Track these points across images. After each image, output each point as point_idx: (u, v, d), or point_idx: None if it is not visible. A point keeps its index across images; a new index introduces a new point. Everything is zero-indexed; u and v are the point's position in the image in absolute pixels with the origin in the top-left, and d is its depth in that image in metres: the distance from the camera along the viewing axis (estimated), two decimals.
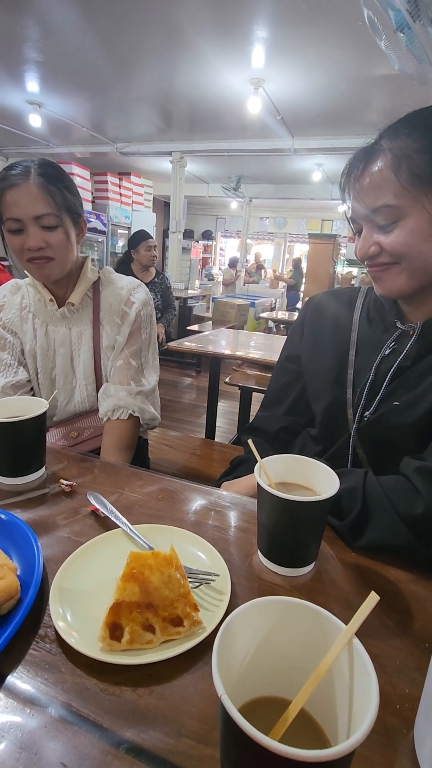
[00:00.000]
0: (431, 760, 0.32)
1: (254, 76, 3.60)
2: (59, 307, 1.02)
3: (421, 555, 0.55)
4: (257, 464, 0.54)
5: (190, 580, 0.47)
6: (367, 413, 0.71)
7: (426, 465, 0.57)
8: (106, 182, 5.92)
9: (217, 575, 0.50)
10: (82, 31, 3.02)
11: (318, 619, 0.32)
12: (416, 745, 0.34)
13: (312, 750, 0.23)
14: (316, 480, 0.56)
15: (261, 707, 0.32)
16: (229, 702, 0.25)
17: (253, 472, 0.55)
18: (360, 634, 0.29)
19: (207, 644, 0.42)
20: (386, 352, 0.72)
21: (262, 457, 0.55)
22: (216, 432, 2.73)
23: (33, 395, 1.06)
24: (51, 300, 1.01)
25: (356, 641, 0.29)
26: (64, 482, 0.69)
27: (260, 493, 0.52)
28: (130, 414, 0.98)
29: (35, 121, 4.81)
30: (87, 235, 5.66)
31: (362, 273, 7.61)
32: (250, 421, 0.95)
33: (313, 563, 0.54)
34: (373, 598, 0.30)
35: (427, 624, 0.46)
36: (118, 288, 1.05)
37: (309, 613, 0.32)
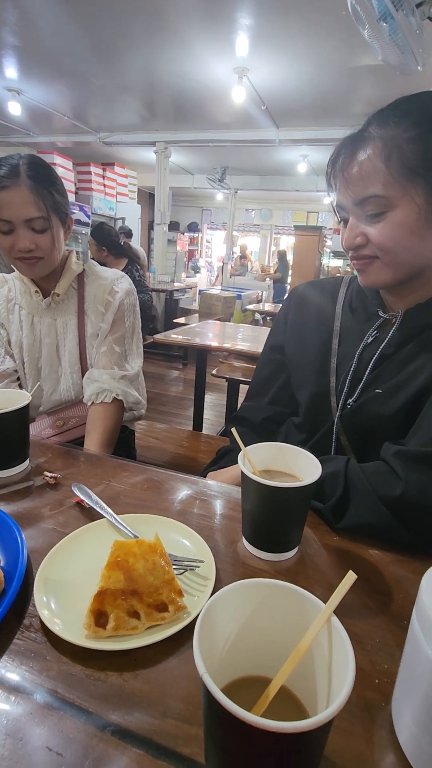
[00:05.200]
0: (408, 731, 0.33)
1: (238, 65, 3.56)
2: (44, 298, 1.03)
3: (399, 536, 0.56)
4: (241, 452, 0.55)
5: (175, 566, 0.48)
6: (350, 401, 0.72)
7: (404, 449, 0.59)
8: (89, 173, 5.81)
9: (202, 561, 0.50)
10: (62, 15, 2.94)
11: (299, 600, 0.33)
12: (393, 717, 0.36)
13: (290, 722, 0.23)
14: (299, 467, 0.57)
15: (244, 686, 0.33)
16: (209, 680, 0.25)
17: (238, 461, 0.55)
18: (342, 614, 0.30)
19: (192, 629, 0.41)
20: (368, 341, 0.73)
21: (246, 446, 0.56)
22: (203, 424, 2.74)
23: (19, 384, 1.08)
24: (36, 292, 1.03)
25: (335, 619, 0.30)
26: (49, 474, 0.69)
27: (244, 480, 0.53)
28: (114, 397, 1.00)
29: (14, 109, 4.69)
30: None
31: (347, 266, 7.64)
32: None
33: (297, 548, 0.55)
34: (350, 577, 0.31)
35: (406, 603, 0.47)
36: (102, 279, 1.08)
37: (290, 594, 0.33)
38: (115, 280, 1.08)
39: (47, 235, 0.92)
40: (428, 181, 0.58)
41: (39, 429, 1.05)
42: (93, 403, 1.00)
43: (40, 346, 1.06)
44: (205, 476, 0.85)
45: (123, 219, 6.14)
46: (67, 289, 1.05)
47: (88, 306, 1.06)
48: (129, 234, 5.11)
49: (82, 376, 1.06)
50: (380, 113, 0.62)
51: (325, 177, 0.69)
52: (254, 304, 5.60)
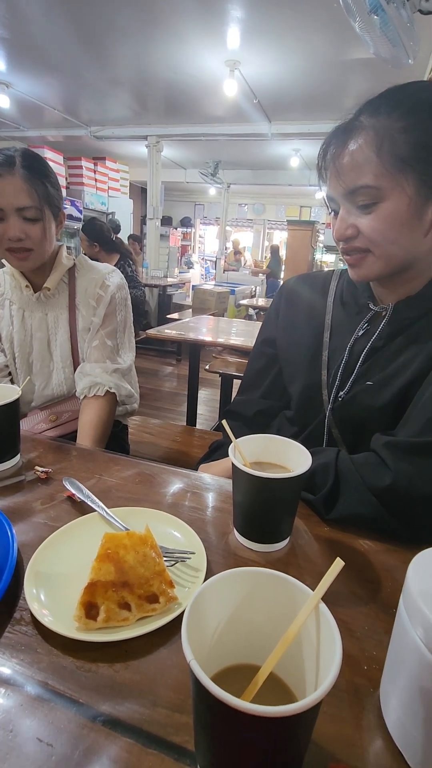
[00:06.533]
0: (394, 714, 0.34)
1: (230, 58, 3.54)
2: (35, 293, 1.03)
3: (388, 525, 0.57)
4: (232, 444, 0.55)
5: (165, 558, 0.48)
6: (341, 394, 0.73)
7: (393, 440, 0.59)
8: (80, 167, 5.74)
9: (193, 553, 0.50)
10: (51, 6, 2.90)
11: (287, 588, 0.33)
12: (381, 702, 0.36)
13: (277, 706, 0.24)
14: (289, 458, 0.57)
15: (233, 674, 0.33)
16: (197, 666, 0.25)
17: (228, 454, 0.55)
18: (331, 603, 0.30)
19: (182, 619, 0.42)
20: (359, 334, 0.73)
21: (237, 438, 0.56)
22: (197, 419, 2.74)
23: (11, 380, 1.08)
24: (27, 286, 1.02)
25: (323, 605, 0.30)
26: (40, 469, 0.69)
27: (235, 471, 0.53)
28: (107, 390, 1.00)
29: (3, 102, 4.63)
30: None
31: (339, 260, 7.64)
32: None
33: (288, 538, 0.56)
34: (338, 564, 0.31)
35: (395, 591, 0.48)
36: (93, 273, 1.08)
37: (279, 582, 0.33)
38: (107, 274, 1.08)
39: (38, 226, 0.92)
40: (419, 171, 0.58)
41: (32, 424, 1.05)
42: (86, 396, 1.00)
43: (31, 341, 1.05)
44: (197, 470, 0.85)
45: (113, 213, 6.10)
46: (58, 284, 1.04)
47: (80, 300, 1.05)
48: (117, 229, 5.06)
49: (74, 370, 1.06)
50: (371, 102, 0.61)
51: (316, 168, 0.68)
52: (248, 299, 5.59)
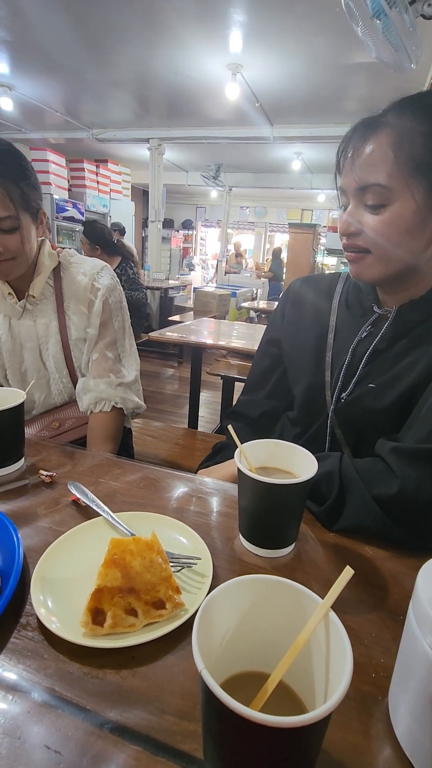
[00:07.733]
0: (404, 723, 0.34)
1: (232, 62, 3.55)
2: (19, 300, 0.96)
3: (395, 534, 0.56)
4: (237, 449, 0.55)
5: (171, 564, 0.48)
6: (344, 395, 0.73)
7: (400, 446, 0.59)
8: (82, 170, 5.78)
9: (199, 559, 0.50)
10: (53, 9, 2.92)
11: (296, 595, 0.33)
12: (390, 710, 0.36)
13: (288, 716, 0.24)
14: (295, 463, 0.57)
15: (242, 682, 0.33)
16: (208, 676, 0.25)
17: (233, 457, 0.55)
18: (338, 609, 0.30)
19: (189, 625, 0.42)
20: (363, 336, 0.73)
21: (243, 443, 0.56)
22: (199, 422, 2.74)
23: None
24: (10, 293, 0.95)
25: (332, 614, 0.30)
26: (44, 473, 0.69)
27: (241, 477, 0.53)
28: (113, 405, 0.97)
29: (6, 104, 4.64)
30: (64, 224, 5.49)
31: (341, 263, 7.65)
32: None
33: (294, 544, 0.56)
34: (347, 573, 0.31)
35: (402, 598, 0.48)
36: (81, 273, 0.99)
37: (288, 590, 0.33)
38: (95, 274, 0.99)
39: (15, 236, 0.83)
40: (430, 180, 0.59)
41: (35, 431, 1.01)
42: (91, 411, 0.97)
43: (21, 351, 0.99)
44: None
45: (110, 216, 6.11)
46: (43, 288, 0.97)
47: (68, 305, 0.98)
48: (123, 231, 5.07)
49: (71, 379, 1.02)
50: (401, 102, 0.62)
51: (335, 157, 0.67)
52: (249, 302, 5.60)
